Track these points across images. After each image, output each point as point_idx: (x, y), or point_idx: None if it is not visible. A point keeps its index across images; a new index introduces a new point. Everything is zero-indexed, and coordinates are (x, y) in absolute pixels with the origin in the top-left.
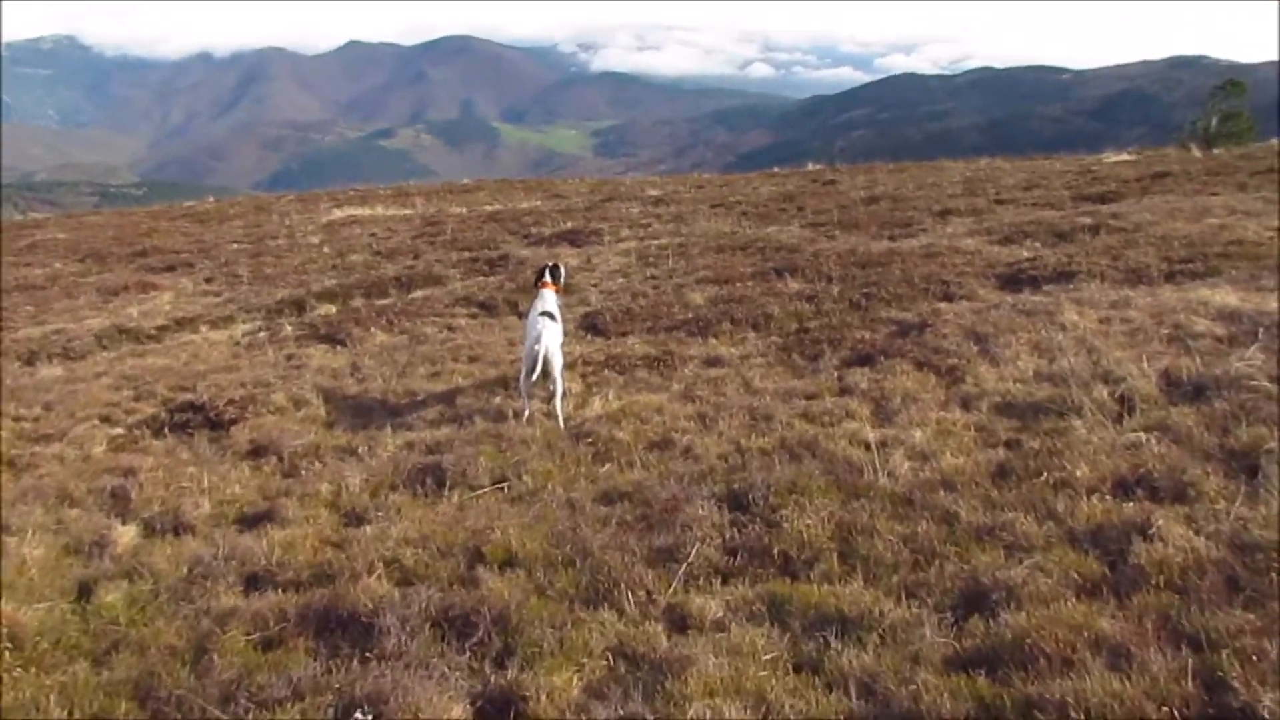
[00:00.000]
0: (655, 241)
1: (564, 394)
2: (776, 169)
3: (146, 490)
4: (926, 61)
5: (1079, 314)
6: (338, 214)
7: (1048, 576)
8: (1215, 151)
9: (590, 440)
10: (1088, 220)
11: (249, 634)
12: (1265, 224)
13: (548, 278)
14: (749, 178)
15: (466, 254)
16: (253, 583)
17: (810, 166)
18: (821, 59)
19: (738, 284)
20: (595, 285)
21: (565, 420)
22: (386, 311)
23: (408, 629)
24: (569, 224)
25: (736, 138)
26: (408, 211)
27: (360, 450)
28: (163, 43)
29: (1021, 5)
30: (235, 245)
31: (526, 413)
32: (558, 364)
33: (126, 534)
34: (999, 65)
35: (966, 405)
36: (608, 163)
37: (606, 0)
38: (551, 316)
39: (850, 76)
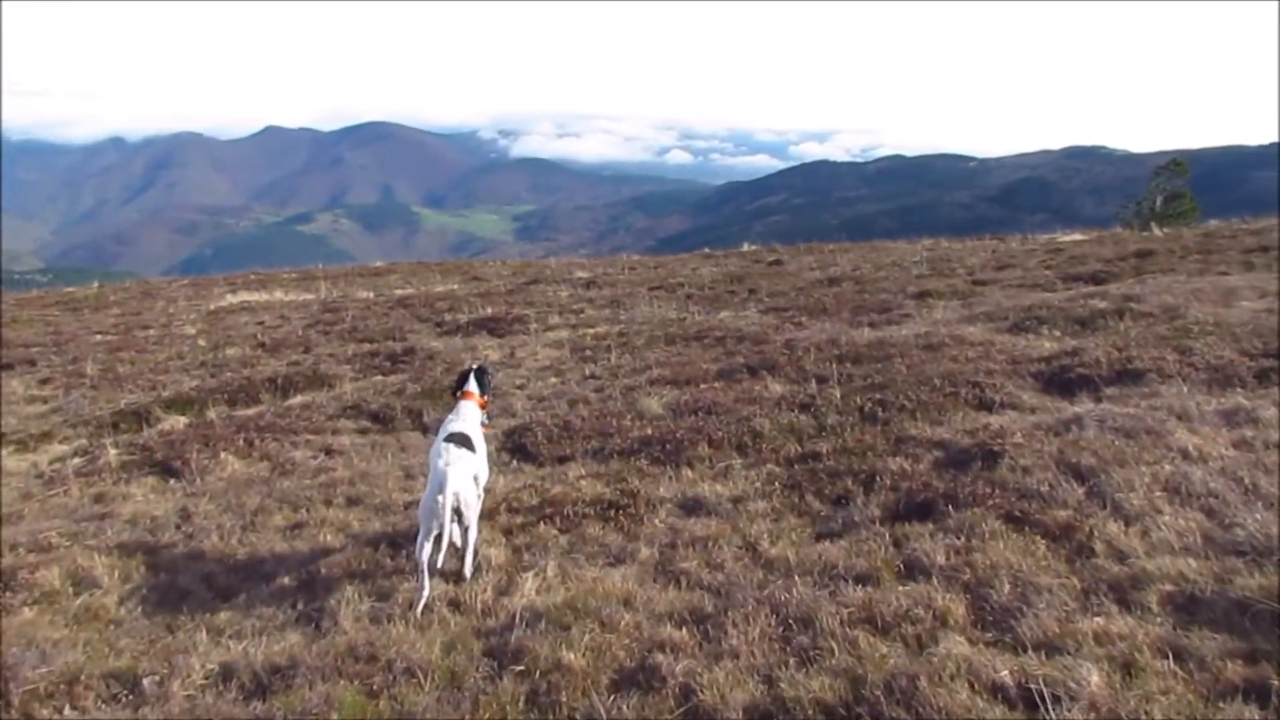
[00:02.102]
0: (591, 330)
1: (476, 557)
2: (709, 250)
3: None
4: (839, 149)
5: (1197, 435)
6: (230, 300)
7: None
8: (1161, 231)
9: (520, 666)
10: (1101, 304)
11: None
12: None
13: (471, 384)
14: (684, 259)
15: (366, 346)
16: None
17: (747, 247)
18: (738, 146)
19: (703, 386)
20: (521, 388)
21: (480, 611)
22: (249, 426)
23: None
24: (489, 310)
25: (656, 222)
26: (309, 297)
27: (145, 683)
28: (72, 127)
29: (928, 97)
30: (99, 337)
31: (423, 598)
32: (473, 518)
33: None
34: (909, 153)
35: (1123, 600)
36: (528, 247)
37: (526, 89)
38: (466, 443)
39: (766, 163)
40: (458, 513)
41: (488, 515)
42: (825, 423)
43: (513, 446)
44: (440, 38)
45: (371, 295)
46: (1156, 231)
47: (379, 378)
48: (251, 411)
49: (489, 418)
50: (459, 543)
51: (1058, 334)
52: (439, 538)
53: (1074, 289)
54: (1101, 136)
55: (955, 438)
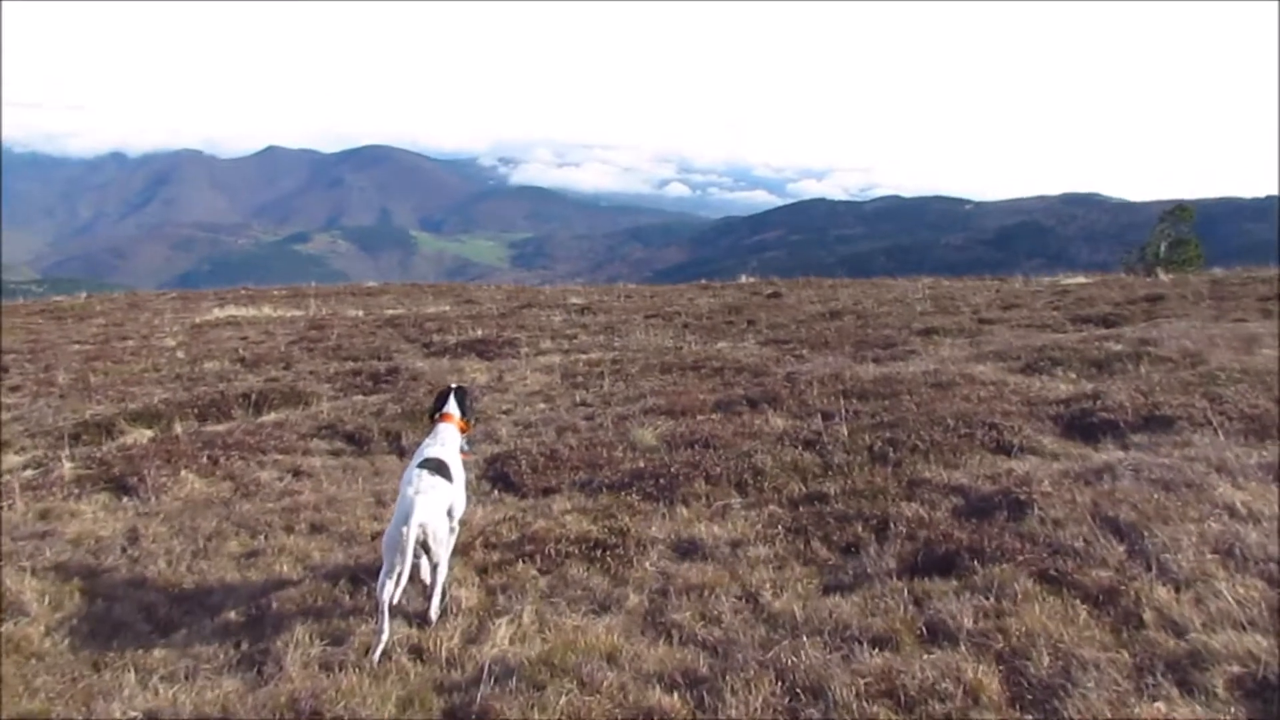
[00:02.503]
0: (584, 356)
1: (444, 598)
2: (705, 281)
3: None
4: (836, 188)
5: (1243, 490)
6: (216, 314)
7: None
8: (1168, 277)
9: None
10: (1117, 346)
11: None
12: None
13: (451, 406)
14: (680, 289)
15: (350, 364)
16: None
17: (744, 279)
18: (736, 181)
19: (700, 418)
20: (508, 413)
21: (444, 661)
22: (216, 443)
23: None
24: (479, 332)
25: (652, 254)
26: (297, 313)
27: None
28: (72, 140)
29: (926, 138)
30: (77, 346)
31: (381, 642)
32: (443, 554)
33: None
34: (905, 194)
35: (1184, 681)
36: (524, 274)
37: (527, 117)
38: (442, 470)
39: (764, 199)
40: (425, 547)
41: (462, 550)
42: (832, 461)
43: (494, 475)
44: (444, 63)
45: (361, 314)
46: (1163, 277)
47: (359, 397)
48: (221, 427)
49: (470, 444)
50: (428, 579)
51: (1073, 376)
52: (405, 574)
53: (1085, 331)
54: (1098, 184)
55: (975, 483)
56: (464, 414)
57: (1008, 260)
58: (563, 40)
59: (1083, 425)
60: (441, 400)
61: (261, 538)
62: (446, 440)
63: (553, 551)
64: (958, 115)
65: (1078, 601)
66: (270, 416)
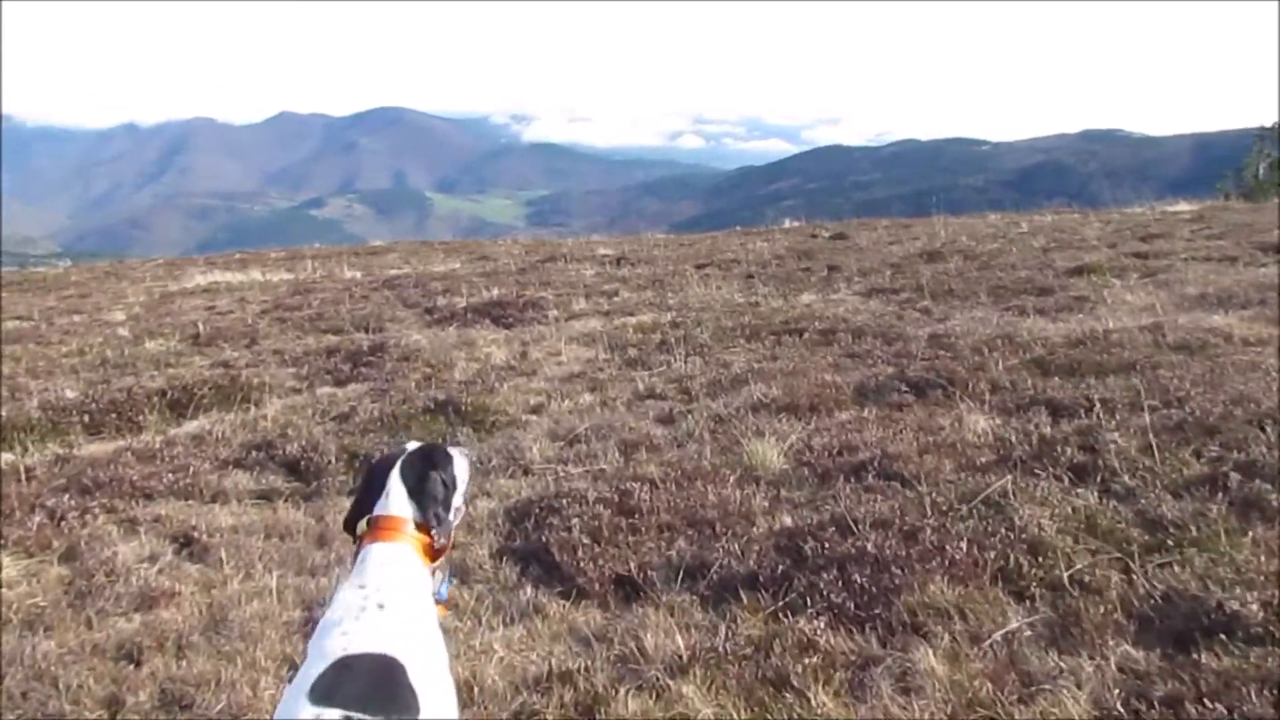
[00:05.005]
0: (632, 319)
1: None
2: (740, 228)
3: None
4: (852, 133)
5: None
6: (199, 280)
7: None
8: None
9: None
10: None
11: None
12: None
13: (394, 499)
14: (714, 236)
15: (328, 338)
16: None
17: (789, 224)
18: (750, 130)
19: (841, 415)
20: (537, 410)
21: None
22: (83, 479)
23: None
24: (495, 292)
25: (668, 207)
26: (288, 277)
27: None
28: (86, 113)
29: (941, 80)
30: (14, 323)
31: None
32: None
33: None
34: (922, 137)
35: None
36: (540, 231)
37: (539, 73)
38: (381, 694)
39: (779, 148)
40: None
41: None
42: (1156, 515)
43: (522, 548)
44: (453, 22)
45: (358, 275)
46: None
47: (327, 389)
48: (111, 447)
49: (451, 575)
50: None
51: None
52: None
53: None
54: (1118, 119)
55: None
56: (424, 513)
57: (1027, 201)
58: None
59: None
60: (374, 484)
61: None
62: (388, 595)
63: None
64: (972, 56)
65: None
66: (193, 425)
